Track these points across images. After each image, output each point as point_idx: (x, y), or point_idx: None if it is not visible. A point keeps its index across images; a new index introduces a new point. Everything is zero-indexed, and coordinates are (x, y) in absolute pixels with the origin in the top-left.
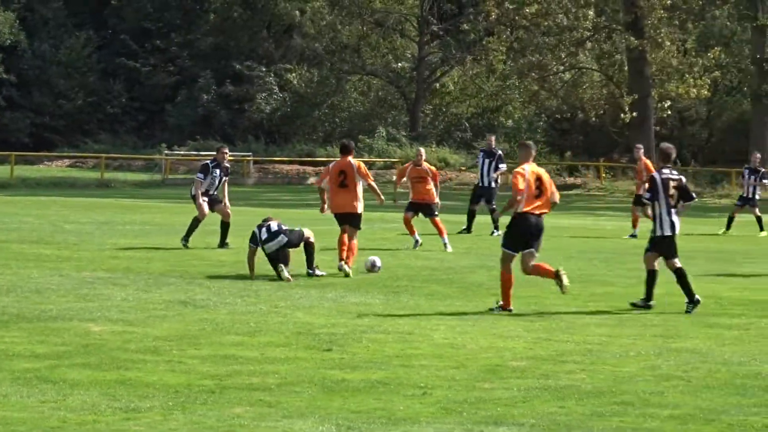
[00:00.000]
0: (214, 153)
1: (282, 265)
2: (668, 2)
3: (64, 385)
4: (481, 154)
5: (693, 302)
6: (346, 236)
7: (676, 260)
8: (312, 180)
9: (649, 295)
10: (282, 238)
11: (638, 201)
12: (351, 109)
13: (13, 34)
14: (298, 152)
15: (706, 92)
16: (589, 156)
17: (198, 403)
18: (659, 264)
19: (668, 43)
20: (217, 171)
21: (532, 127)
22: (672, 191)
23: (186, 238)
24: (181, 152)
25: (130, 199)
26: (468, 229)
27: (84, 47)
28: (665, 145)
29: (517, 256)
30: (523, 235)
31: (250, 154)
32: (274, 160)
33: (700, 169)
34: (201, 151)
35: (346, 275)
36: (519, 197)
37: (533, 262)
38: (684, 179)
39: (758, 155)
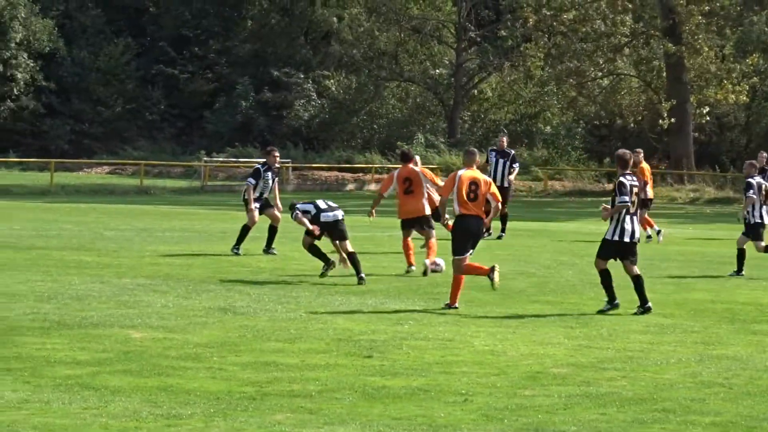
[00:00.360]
0: (252, 159)
1: (339, 241)
2: (706, 8)
3: (106, 392)
4: (493, 154)
5: (644, 309)
6: (410, 240)
7: (635, 267)
8: (351, 186)
9: (610, 295)
10: (339, 213)
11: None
12: (389, 116)
13: (52, 41)
14: (336, 158)
15: (744, 98)
16: None
17: (239, 410)
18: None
19: (706, 49)
20: (269, 174)
21: (570, 133)
22: (633, 197)
23: (237, 246)
24: (220, 159)
25: (170, 205)
26: (487, 230)
27: (122, 54)
28: (622, 151)
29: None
30: (466, 236)
31: (289, 160)
32: (312, 166)
33: (739, 175)
34: (240, 158)
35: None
36: (442, 198)
37: (467, 263)
38: (644, 186)
39: (765, 154)
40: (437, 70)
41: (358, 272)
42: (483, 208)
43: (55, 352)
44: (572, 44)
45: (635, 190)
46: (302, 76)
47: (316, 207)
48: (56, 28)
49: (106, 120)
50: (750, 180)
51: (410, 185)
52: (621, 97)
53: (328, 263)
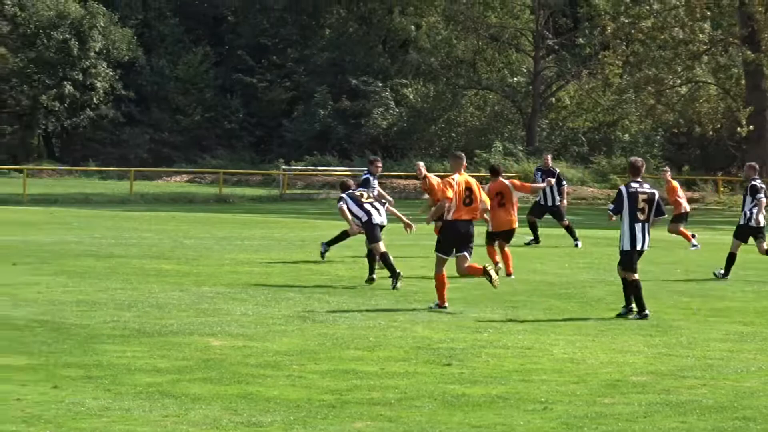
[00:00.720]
0: (330, 168)
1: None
2: None
3: (186, 400)
4: (539, 173)
5: (641, 315)
6: (496, 247)
7: (635, 274)
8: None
9: (630, 302)
10: (385, 220)
11: (678, 218)
12: (467, 124)
13: (131, 50)
14: (414, 167)
15: None
16: (706, 170)
17: (319, 418)
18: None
19: None
20: (375, 183)
21: (649, 141)
22: (642, 204)
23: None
24: (299, 167)
25: (248, 214)
26: (536, 239)
27: (201, 63)
28: (634, 158)
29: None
30: (453, 240)
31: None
32: (390, 174)
33: None
34: (318, 167)
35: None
36: (448, 205)
37: (466, 264)
38: (656, 193)
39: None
40: (515, 78)
41: (392, 274)
42: (477, 212)
43: (135, 360)
44: (650, 52)
45: (642, 197)
46: (380, 84)
47: (368, 214)
48: (135, 37)
49: (184, 129)
50: (755, 183)
51: (502, 198)
52: (699, 105)
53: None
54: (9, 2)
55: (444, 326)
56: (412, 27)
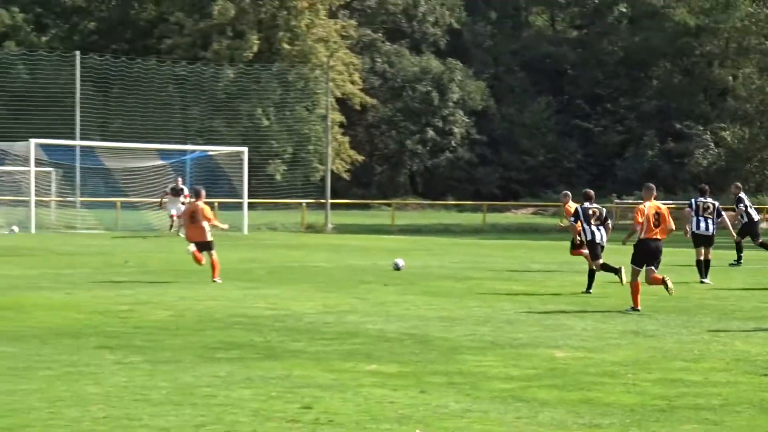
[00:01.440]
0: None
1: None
2: None
3: (535, 404)
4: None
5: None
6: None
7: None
8: None
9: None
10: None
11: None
12: None
13: (484, 100)
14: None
15: None
16: None
17: (651, 421)
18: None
19: None
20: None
21: None
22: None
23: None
24: (629, 201)
25: None
26: (738, 261)
27: (544, 111)
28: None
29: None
30: (645, 255)
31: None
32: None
33: None
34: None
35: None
36: (637, 228)
37: (653, 275)
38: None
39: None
40: None
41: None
42: (665, 232)
43: (490, 368)
44: None
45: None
46: (701, 128)
47: (592, 234)
48: (487, 89)
49: (530, 168)
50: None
51: None
52: None
53: (617, 272)
54: (379, 60)
55: (761, 341)
56: (730, 78)
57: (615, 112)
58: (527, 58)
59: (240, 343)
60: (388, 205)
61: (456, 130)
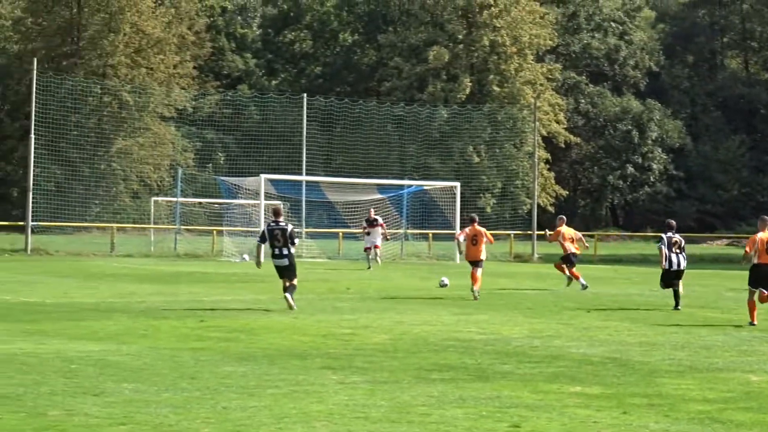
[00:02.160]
0: None
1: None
2: None
3: (731, 425)
4: None
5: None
6: None
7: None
8: None
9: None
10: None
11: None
12: None
13: (681, 138)
14: None
15: None
16: None
17: None
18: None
19: None
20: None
21: None
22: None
23: None
24: None
25: None
26: None
27: (738, 148)
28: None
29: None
30: (759, 277)
31: None
32: None
33: None
34: None
35: None
36: (748, 255)
37: (764, 294)
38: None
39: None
40: None
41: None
42: None
43: (688, 391)
44: None
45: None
46: None
47: (669, 261)
48: (684, 127)
49: (724, 201)
50: None
51: None
52: None
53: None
54: (583, 101)
55: None
56: None
57: None
58: (722, 99)
59: (453, 365)
60: (591, 236)
61: (654, 166)
